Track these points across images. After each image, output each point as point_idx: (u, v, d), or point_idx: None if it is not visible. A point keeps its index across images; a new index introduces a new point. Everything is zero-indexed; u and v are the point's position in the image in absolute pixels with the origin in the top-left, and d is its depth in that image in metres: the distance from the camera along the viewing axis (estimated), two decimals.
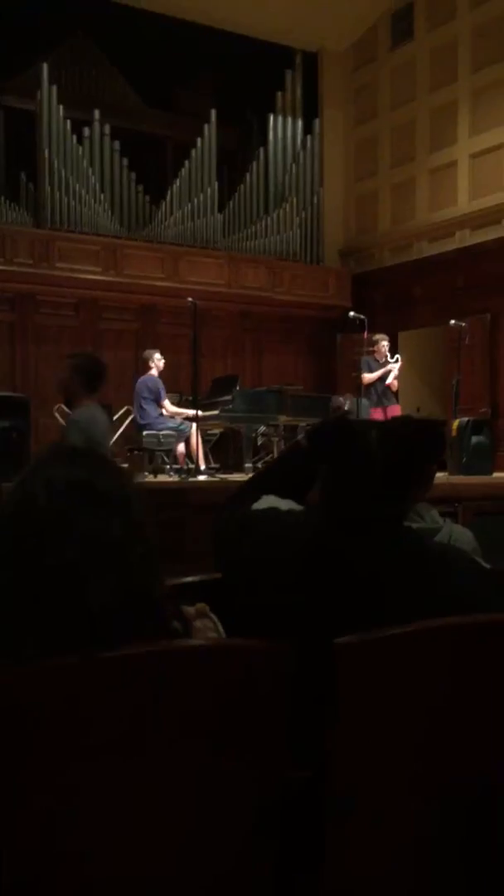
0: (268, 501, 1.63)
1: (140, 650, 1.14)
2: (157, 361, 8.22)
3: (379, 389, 8.73)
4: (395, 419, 1.61)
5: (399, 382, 8.93)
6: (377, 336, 8.95)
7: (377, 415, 8.63)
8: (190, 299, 7.59)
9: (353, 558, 1.44)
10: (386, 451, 1.46)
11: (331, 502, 1.51)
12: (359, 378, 8.87)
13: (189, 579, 1.67)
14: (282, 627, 1.36)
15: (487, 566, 1.62)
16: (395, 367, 8.77)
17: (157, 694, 1.16)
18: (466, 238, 10.89)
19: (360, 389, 8.32)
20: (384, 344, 8.82)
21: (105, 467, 1.20)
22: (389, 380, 8.75)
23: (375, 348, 8.88)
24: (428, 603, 1.38)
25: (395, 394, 8.82)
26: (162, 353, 8.37)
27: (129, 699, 1.14)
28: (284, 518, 1.56)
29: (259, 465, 8.27)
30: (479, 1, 10.64)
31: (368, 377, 8.77)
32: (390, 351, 8.83)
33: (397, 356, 8.84)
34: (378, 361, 8.82)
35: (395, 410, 8.55)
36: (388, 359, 8.80)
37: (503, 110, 10.40)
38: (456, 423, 7.94)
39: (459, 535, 2.24)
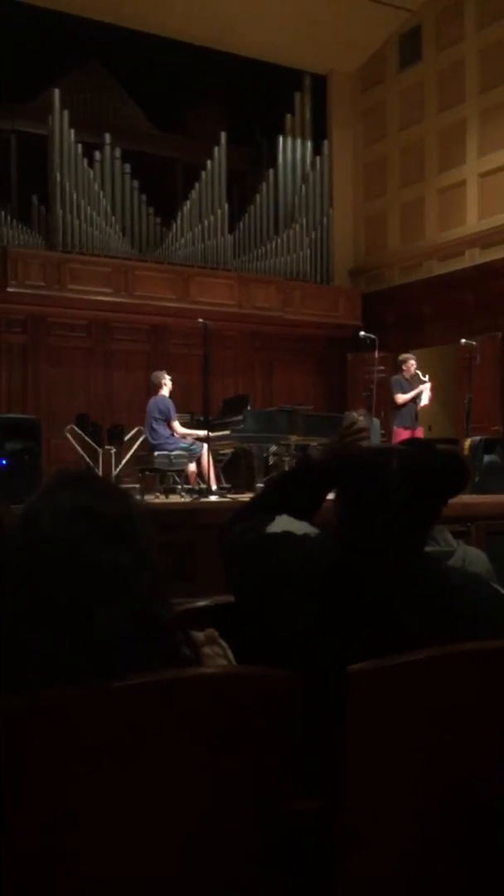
0: (282, 524, 1.59)
1: (148, 679, 1.13)
2: (167, 382, 8.24)
3: (411, 410, 8.67)
4: (416, 447, 1.56)
5: (395, 398, 8.87)
6: (404, 356, 8.91)
7: (405, 435, 8.54)
8: (200, 320, 7.62)
9: (371, 586, 1.42)
10: (408, 484, 1.43)
11: (346, 530, 1.49)
12: (391, 398, 8.82)
13: (199, 603, 1.65)
14: (295, 654, 1.35)
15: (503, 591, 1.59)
16: (426, 388, 8.69)
17: (165, 723, 1.15)
18: (476, 257, 10.90)
19: (372, 407, 8.30)
20: (412, 363, 8.74)
21: (110, 492, 1.20)
22: (424, 401, 8.67)
23: (404, 367, 8.83)
24: (445, 632, 1.36)
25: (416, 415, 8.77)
26: (173, 374, 8.40)
27: (137, 728, 1.13)
28: (301, 543, 1.53)
29: None
30: (485, 23, 10.71)
31: (402, 398, 8.72)
32: (419, 370, 8.75)
33: (427, 376, 8.76)
34: (408, 381, 8.75)
35: (419, 433, 8.51)
36: (421, 377, 8.71)
37: None
38: (468, 442, 7.92)
39: (474, 557, 2.22)
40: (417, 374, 8.75)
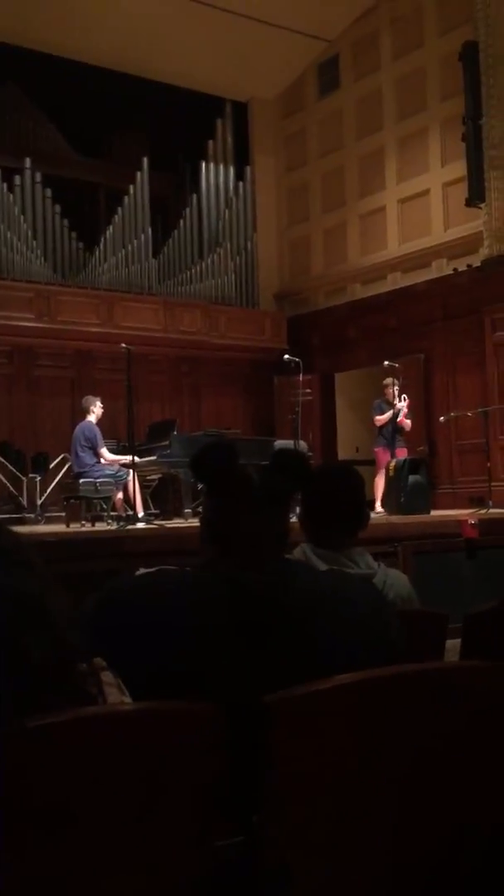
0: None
1: (69, 716, 1.09)
2: (97, 409, 8.16)
3: (389, 431, 8.83)
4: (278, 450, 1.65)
5: (349, 422, 8.98)
6: (386, 380, 9.09)
7: (385, 456, 8.74)
8: (123, 345, 7.58)
9: (244, 595, 1.40)
10: (262, 478, 1.54)
11: (216, 525, 1.54)
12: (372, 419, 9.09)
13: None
14: (191, 687, 1.31)
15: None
16: (402, 406, 8.86)
17: (85, 762, 1.11)
18: (398, 280, 11.12)
19: (296, 433, 8.34)
20: (393, 388, 8.91)
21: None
22: (399, 418, 8.84)
23: (385, 391, 9.02)
24: (326, 634, 1.39)
25: (402, 435, 8.91)
26: (99, 400, 8.30)
27: (56, 768, 1.09)
28: (170, 573, 1.50)
29: (199, 509, 8.20)
30: (400, 53, 11.01)
31: (380, 419, 8.94)
32: (398, 394, 8.93)
33: (404, 396, 8.95)
34: (389, 403, 8.92)
35: (402, 453, 8.65)
36: (397, 401, 8.88)
37: (427, 157, 10.73)
38: (393, 463, 8.02)
39: (395, 579, 2.23)
40: (395, 398, 8.90)
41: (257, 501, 1.52)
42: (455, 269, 10.22)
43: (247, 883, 1.25)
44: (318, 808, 1.24)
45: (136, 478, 7.82)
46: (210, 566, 1.49)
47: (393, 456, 8.39)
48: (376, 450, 9.07)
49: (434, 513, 7.96)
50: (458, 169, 9.96)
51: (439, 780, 1.32)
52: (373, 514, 7.24)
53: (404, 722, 1.28)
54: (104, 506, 8.10)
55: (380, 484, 8.75)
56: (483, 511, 7.35)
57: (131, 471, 7.71)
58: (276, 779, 1.21)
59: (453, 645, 2.21)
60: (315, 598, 1.44)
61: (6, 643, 1.06)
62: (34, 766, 1.08)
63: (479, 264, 9.69)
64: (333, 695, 1.23)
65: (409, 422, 9.02)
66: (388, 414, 8.89)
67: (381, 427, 8.97)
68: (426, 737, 1.30)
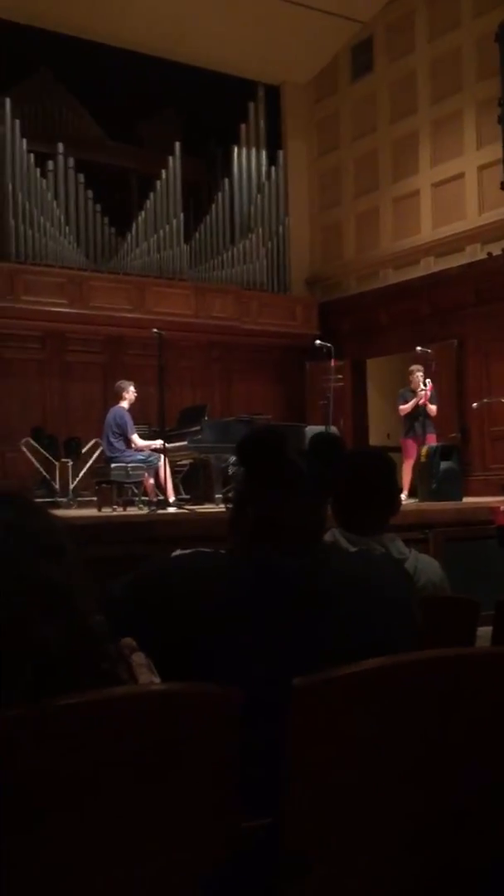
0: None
1: (93, 697, 1.09)
2: (130, 394, 8.13)
3: (416, 419, 8.70)
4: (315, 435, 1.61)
5: (381, 409, 8.88)
6: (412, 367, 8.94)
7: (412, 446, 8.63)
8: (155, 330, 7.58)
9: (286, 582, 1.39)
10: (302, 454, 1.51)
11: (257, 511, 1.50)
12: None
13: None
14: (223, 668, 1.31)
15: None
16: (423, 393, 8.69)
17: (108, 743, 1.11)
18: (431, 265, 11.00)
19: (327, 419, 8.30)
20: (418, 375, 8.77)
21: (33, 508, 1.17)
22: (431, 406, 8.71)
23: (410, 379, 8.88)
24: (355, 617, 1.38)
25: (429, 420, 8.75)
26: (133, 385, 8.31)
27: (80, 749, 1.09)
28: (206, 555, 1.50)
29: (230, 494, 8.21)
30: (436, 34, 10.85)
31: (404, 408, 8.83)
32: (423, 380, 8.77)
33: (428, 380, 8.78)
34: (413, 392, 8.81)
35: (432, 439, 8.56)
36: (422, 387, 8.73)
37: (462, 141, 10.57)
38: (425, 450, 7.97)
39: (426, 565, 2.20)
40: (420, 385, 8.75)
41: (305, 492, 1.50)
42: (489, 254, 10.08)
43: (268, 866, 1.24)
44: (341, 792, 1.23)
45: (167, 463, 7.84)
46: (244, 550, 1.48)
47: (423, 443, 8.31)
48: (403, 440, 8.95)
49: (466, 499, 7.89)
50: (494, 152, 9.78)
51: (464, 769, 1.30)
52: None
53: (430, 708, 1.26)
54: (135, 490, 8.13)
55: (407, 473, 8.69)
56: None
57: (162, 456, 7.73)
58: (300, 762, 1.20)
59: (485, 632, 2.18)
60: (346, 581, 1.43)
61: (24, 632, 1.06)
62: (55, 748, 1.07)
63: None
64: (360, 679, 1.21)
65: (433, 407, 8.81)
66: (412, 403, 8.77)
67: (407, 416, 8.87)
68: (452, 724, 1.28)
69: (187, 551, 1.54)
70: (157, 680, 1.21)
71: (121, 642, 1.21)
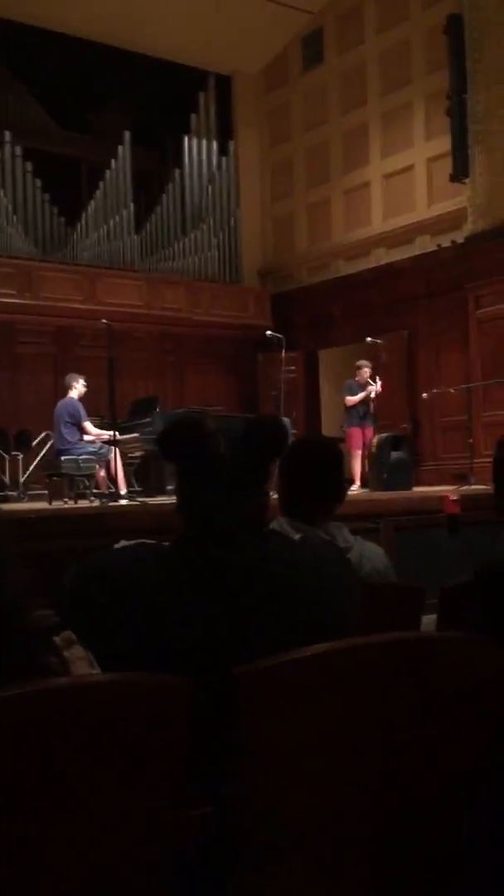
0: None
1: (33, 689, 1.08)
2: (79, 386, 8.07)
3: (360, 411, 9.05)
4: (249, 420, 1.54)
5: (334, 400, 9.11)
6: (360, 362, 9.28)
7: (356, 435, 8.97)
8: (104, 321, 7.51)
9: (220, 571, 1.39)
10: (232, 451, 1.43)
11: (188, 507, 1.47)
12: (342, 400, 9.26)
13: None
14: (161, 658, 1.30)
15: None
16: (372, 391, 9.04)
17: (50, 735, 1.10)
18: (382, 257, 11.07)
19: (279, 410, 8.32)
20: (366, 370, 9.11)
21: None
22: (372, 396, 9.06)
23: (358, 373, 9.15)
24: (305, 607, 1.37)
25: (373, 415, 9.10)
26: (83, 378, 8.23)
27: (17, 742, 1.07)
28: (147, 548, 1.48)
29: None
30: (385, 27, 10.90)
31: (351, 400, 9.11)
32: (371, 377, 9.13)
33: (377, 378, 9.12)
34: (360, 385, 9.10)
35: (370, 433, 8.87)
36: (371, 383, 9.07)
37: (411, 133, 10.65)
38: (376, 440, 8.03)
39: (371, 553, 2.22)
40: (368, 381, 9.10)
41: (229, 483, 1.43)
42: (439, 246, 10.18)
43: (222, 853, 1.24)
44: (290, 779, 1.23)
45: (118, 455, 7.79)
46: (186, 541, 1.47)
47: (364, 436, 8.55)
48: (348, 429, 9.17)
49: (417, 489, 7.98)
50: (443, 144, 9.89)
51: (413, 750, 1.31)
52: (349, 492, 7.25)
53: (373, 692, 1.27)
54: (87, 483, 8.07)
55: (356, 463, 8.83)
56: (465, 487, 7.36)
57: (114, 448, 7.68)
58: (245, 750, 1.20)
59: (431, 621, 2.21)
60: (286, 570, 1.42)
61: None
62: None
63: (463, 240, 9.65)
64: (300, 666, 1.21)
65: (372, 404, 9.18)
66: (360, 396, 9.04)
67: (352, 407, 9.13)
68: (396, 707, 1.29)
69: (130, 543, 1.53)
70: (96, 671, 1.20)
71: (59, 636, 1.20)
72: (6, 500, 8.63)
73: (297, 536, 1.55)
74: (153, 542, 1.52)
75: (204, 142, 12.21)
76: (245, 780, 1.22)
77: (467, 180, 9.44)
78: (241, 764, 1.21)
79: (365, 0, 11.10)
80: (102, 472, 8.02)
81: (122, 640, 1.35)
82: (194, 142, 12.12)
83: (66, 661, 1.16)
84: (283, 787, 1.24)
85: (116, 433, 7.59)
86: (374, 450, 7.96)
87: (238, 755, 1.20)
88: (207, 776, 1.27)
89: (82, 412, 7.94)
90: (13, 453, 9.28)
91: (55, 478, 8.13)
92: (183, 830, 1.22)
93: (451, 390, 9.16)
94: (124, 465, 8.26)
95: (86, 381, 8.18)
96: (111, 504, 6.84)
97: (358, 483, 8.72)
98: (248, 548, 1.42)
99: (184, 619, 1.36)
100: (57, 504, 7.77)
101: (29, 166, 10.80)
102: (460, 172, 9.41)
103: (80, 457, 7.77)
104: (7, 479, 9.14)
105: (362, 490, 8.39)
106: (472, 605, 2.09)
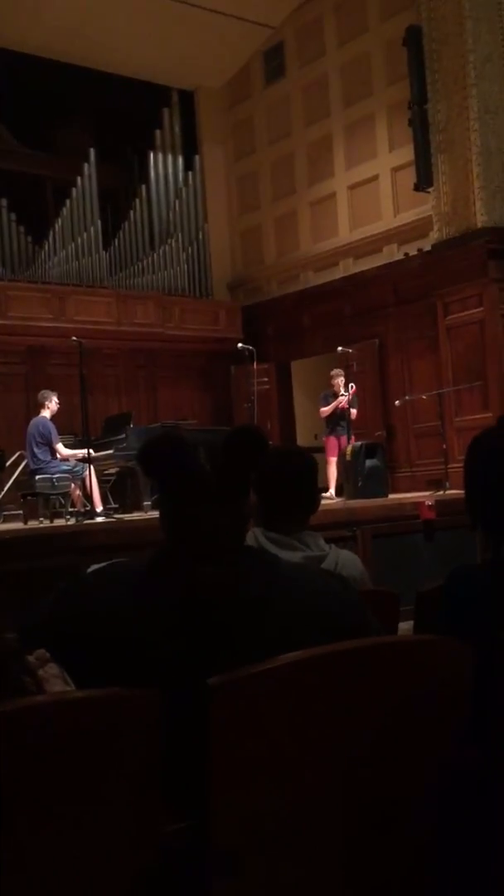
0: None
1: (9, 707, 1.07)
2: (52, 404, 8.04)
3: (336, 420, 9.17)
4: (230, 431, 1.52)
5: (307, 410, 9.15)
6: (333, 371, 9.37)
7: (332, 443, 9.09)
8: (74, 338, 7.50)
9: (203, 587, 1.38)
10: (212, 464, 1.41)
11: (171, 523, 1.45)
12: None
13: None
14: (134, 672, 1.29)
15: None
16: (343, 398, 9.09)
17: (22, 754, 1.09)
18: (350, 267, 11.14)
19: (254, 420, 8.33)
20: (339, 380, 9.19)
21: None
22: (352, 409, 9.08)
23: (332, 383, 9.23)
24: (277, 627, 1.35)
25: (349, 423, 9.10)
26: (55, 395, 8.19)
27: None
28: (121, 570, 1.48)
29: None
30: (344, 39, 11.01)
31: (325, 410, 9.23)
32: (345, 386, 9.20)
33: (351, 385, 9.17)
34: (335, 394, 9.19)
35: (345, 440, 8.91)
36: (343, 392, 9.14)
37: (374, 143, 10.75)
38: (350, 448, 8.06)
39: (346, 560, 2.22)
40: (341, 390, 9.18)
41: (213, 498, 1.42)
42: (406, 254, 10.27)
43: (196, 868, 1.24)
44: (265, 791, 1.23)
45: (93, 472, 7.75)
46: (165, 557, 1.46)
47: (339, 444, 8.61)
48: (326, 438, 9.31)
49: (393, 496, 8.01)
50: (406, 154, 9.98)
51: (387, 756, 1.31)
52: (324, 500, 7.28)
53: (349, 699, 1.27)
54: (62, 502, 8.02)
55: (331, 471, 8.88)
56: (440, 492, 7.41)
57: (88, 465, 7.64)
58: (220, 763, 1.19)
59: (408, 627, 2.21)
60: (270, 591, 1.41)
61: None
62: None
63: (429, 248, 9.74)
64: (275, 675, 1.21)
65: (354, 410, 9.16)
66: (332, 405, 9.15)
67: (328, 417, 9.22)
68: (372, 714, 1.29)
69: (103, 564, 1.52)
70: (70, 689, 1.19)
71: (32, 654, 1.19)
72: None
73: (274, 549, 1.55)
74: (125, 560, 1.51)
75: (169, 157, 12.24)
76: (222, 791, 1.21)
77: (431, 189, 9.53)
78: (214, 777, 1.21)
79: (325, 13, 11.21)
80: (78, 490, 7.98)
81: (97, 658, 1.34)
82: (160, 157, 12.15)
83: (40, 680, 1.16)
84: (259, 796, 1.24)
85: (91, 451, 7.56)
86: (348, 458, 7.99)
87: (211, 768, 1.20)
88: (182, 789, 1.26)
89: (54, 433, 7.88)
90: None
91: (30, 497, 8.08)
92: (158, 844, 1.21)
93: (423, 396, 9.22)
94: (99, 482, 8.22)
95: (58, 399, 8.15)
96: (87, 522, 6.80)
97: (332, 491, 8.76)
98: (228, 563, 1.41)
99: (157, 637, 1.35)
100: (32, 524, 7.72)
101: None
102: (424, 182, 9.49)
103: (55, 475, 7.73)
104: None
105: (338, 498, 8.42)
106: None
